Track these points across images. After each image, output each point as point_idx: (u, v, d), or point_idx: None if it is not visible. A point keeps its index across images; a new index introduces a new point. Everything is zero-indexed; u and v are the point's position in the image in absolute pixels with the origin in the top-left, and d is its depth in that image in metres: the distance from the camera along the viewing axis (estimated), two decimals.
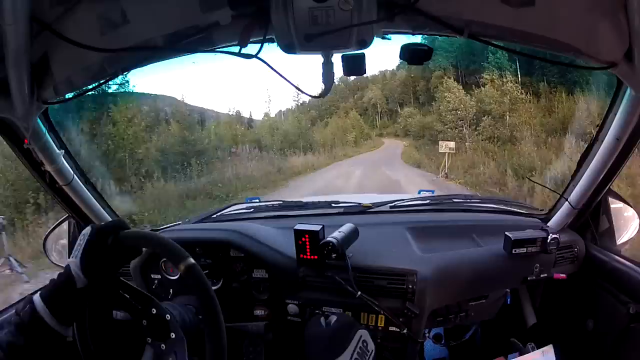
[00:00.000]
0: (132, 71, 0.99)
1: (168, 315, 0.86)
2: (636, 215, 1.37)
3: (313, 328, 1.03)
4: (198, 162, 10.54)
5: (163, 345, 0.86)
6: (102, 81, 0.97)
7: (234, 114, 16.04)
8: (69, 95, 1.01)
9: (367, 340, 0.96)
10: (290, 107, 19.55)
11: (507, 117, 12.61)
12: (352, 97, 20.89)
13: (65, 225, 1.49)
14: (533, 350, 1.22)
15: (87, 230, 0.84)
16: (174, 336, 0.86)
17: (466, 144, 13.17)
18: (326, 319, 1.04)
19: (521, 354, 1.25)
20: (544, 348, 1.19)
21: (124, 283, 0.89)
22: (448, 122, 14.28)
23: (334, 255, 1.11)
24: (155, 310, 0.87)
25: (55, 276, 0.83)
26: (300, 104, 19.87)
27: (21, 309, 0.77)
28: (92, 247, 0.81)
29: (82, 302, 0.81)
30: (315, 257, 1.15)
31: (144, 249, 1.14)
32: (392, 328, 1.15)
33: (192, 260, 0.80)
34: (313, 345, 1.00)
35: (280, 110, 18.88)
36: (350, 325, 0.99)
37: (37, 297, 0.77)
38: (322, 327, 1.00)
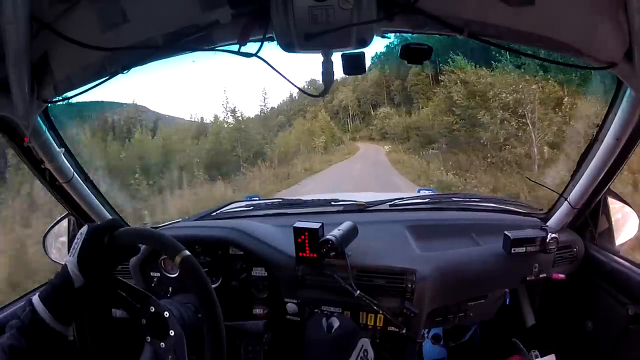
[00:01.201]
0: None
1: (166, 313, 0.87)
2: (635, 215, 1.37)
3: (314, 332, 1.02)
4: None
5: (162, 343, 0.86)
6: (102, 80, 0.97)
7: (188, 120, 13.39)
8: (69, 94, 1.01)
9: (368, 349, 0.97)
10: (259, 113, 17.45)
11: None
12: (322, 101, 19.10)
13: (64, 223, 1.49)
14: (537, 357, 1.23)
15: (84, 229, 0.85)
16: (172, 333, 0.86)
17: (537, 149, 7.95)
18: (327, 318, 1.04)
19: (522, 357, 1.25)
20: (545, 358, 1.20)
21: (122, 282, 0.90)
22: (496, 112, 8.69)
23: (332, 254, 1.11)
24: (153, 309, 0.88)
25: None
26: (269, 109, 18.08)
27: (21, 311, 0.78)
28: (89, 246, 0.82)
29: (81, 301, 0.81)
30: (315, 255, 1.15)
31: (141, 248, 1.15)
32: (391, 328, 1.15)
33: (187, 252, 0.81)
34: (314, 351, 1.00)
35: (248, 117, 16.32)
36: (353, 333, 0.99)
37: (36, 299, 0.78)
38: (323, 331, 1.00)
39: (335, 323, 1.00)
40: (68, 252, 1.48)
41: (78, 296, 0.80)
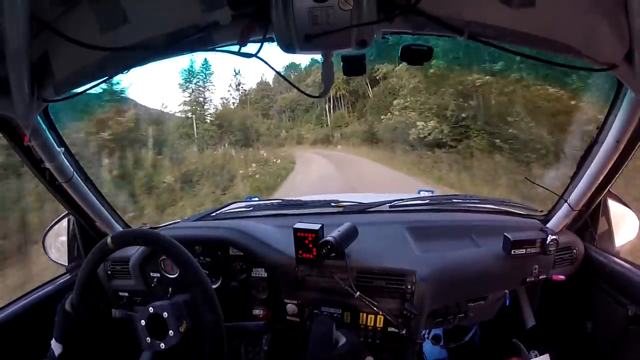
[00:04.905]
0: None
1: (151, 308, 0.94)
2: (635, 217, 1.37)
3: (318, 347, 0.99)
4: None
5: (171, 332, 0.93)
6: (102, 80, 0.97)
7: None
8: (69, 93, 1.01)
9: None
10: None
11: None
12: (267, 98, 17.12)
13: (64, 223, 1.49)
14: (535, 357, 1.23)
15: None
16: (166, 315, 0.93)
17: None
18: (333, 320, 1.02)
19: (521, 358, 1.25)
20: (540, 358, 1.20)
21: (109, 329, 1.03)
22: None
23: (332, 255, 1.11)
24: (144, 321, 0.94)
25: None
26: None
27: None
28: (59, 319, 1.01)
29: None
30: (314, 256, 1.15)
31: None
32: (391, 329, 1.15)
33: (112, 234, 0.96)
34: None
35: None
36: (358, 351, 0.98)
37: None
38: (328, 345, 0.97)
39: (342, 339, 0.98)
40: (67, 252, 1.50)
41: None
